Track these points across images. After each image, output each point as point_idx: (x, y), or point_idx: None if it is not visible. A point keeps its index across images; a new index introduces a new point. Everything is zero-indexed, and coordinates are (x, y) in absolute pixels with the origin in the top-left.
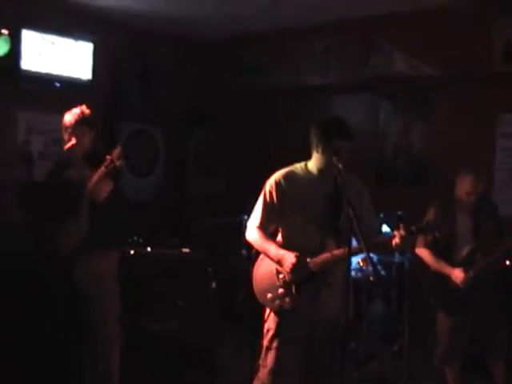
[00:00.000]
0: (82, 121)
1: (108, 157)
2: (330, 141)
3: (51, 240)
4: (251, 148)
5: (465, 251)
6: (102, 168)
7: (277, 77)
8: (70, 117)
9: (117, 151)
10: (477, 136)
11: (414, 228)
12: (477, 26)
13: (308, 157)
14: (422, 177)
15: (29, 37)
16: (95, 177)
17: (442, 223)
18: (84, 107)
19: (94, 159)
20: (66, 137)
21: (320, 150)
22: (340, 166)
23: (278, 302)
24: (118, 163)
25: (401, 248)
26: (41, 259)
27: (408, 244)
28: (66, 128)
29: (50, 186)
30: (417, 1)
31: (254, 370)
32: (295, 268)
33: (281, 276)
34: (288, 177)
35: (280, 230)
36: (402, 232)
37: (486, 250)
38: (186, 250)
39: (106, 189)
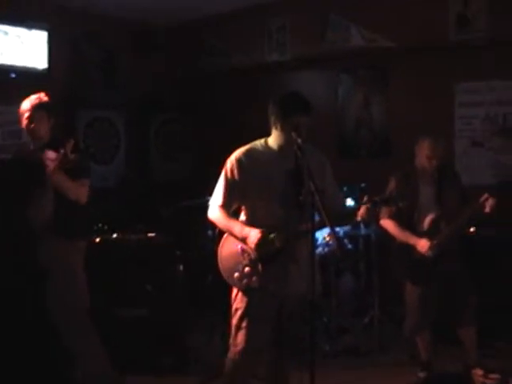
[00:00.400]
0: (39, 105)
1: (61, 151)
2: (287, 117)
3: (21, 214)
4: (213, 130)
5: (429, 220)
6: (56, 163)
7: (236, 57)
8: (27, 102)
9: (69, 144)
10: (435, 106)
11: (377, 199)
12: None
13: (269, 134)
14: (383, 149)
15: None
16: (54, 174)
17: (405, 193)
18: (42, 94)
19: (53, 149)
20: (24, 123)
21: (278, 127)
22: (299, 141)
23: (245, 280)
24: (71, 157)
25: (366, 219)
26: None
27: (373, 215)
28: (23, 113)
29: (15, 162)
30: None
31: (226, 351)
32: (260, 244)
33: (246, 254)
34: (248, 154)
35: (243, 207)
36: (366, 203)
37: (449, 219)
38: (151, 234)
39: (83, 191)
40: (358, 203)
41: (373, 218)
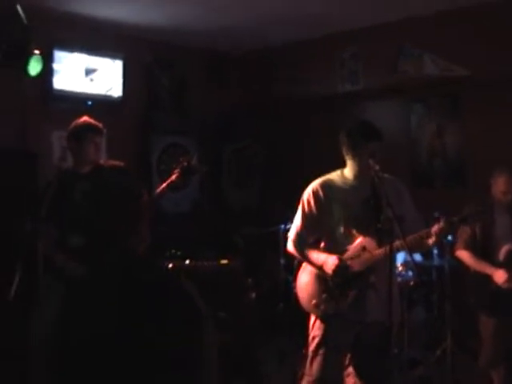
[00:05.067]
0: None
1: (184, 162)
2: (360, 144)
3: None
4: (286, 158)
5: (505, 251)
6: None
7: (308, 86)
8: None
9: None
10: (511, 136)
11: (455, 219)
12: (506, 25)
13: (343, 164)
14: (457, 179)
15: (60, 56)
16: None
17: (480, 216)
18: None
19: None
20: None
21: (351, 156)
22: (377, 167)
23: (322, 307)
24: (200, 167)
25: (441, 235)
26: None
27: (448, 232)
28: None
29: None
30: (442, 2)
31: (297, 380)
32: (338, 269)
33: (324, 281)
34: (325, 185)
35: (322, 238)
36: (442, 223)
37: None
38: (224, 261)
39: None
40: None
41: (447, 236)
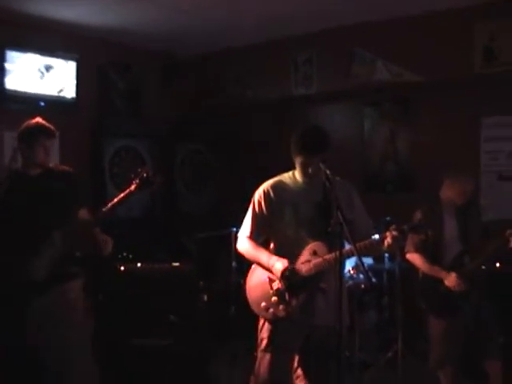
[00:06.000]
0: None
1: (143, 173)
2: (298, 154)
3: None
4: (239, 161)
5: (453, 254)
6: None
7: (261, 89)
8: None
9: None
10: (462, 140)
11: (405, 227)
12: (456, 31)
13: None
14: (408, 183)
15: (12, 56)
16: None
17: (431, 224)
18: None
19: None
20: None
21: (296, 162)
22: (328, 171)
23: (271, 310)
24: (157, 179)
25: (393, 248)
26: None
27: (400, 244)
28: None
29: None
30: (394, 9)
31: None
32: (287, 274)
33: (274, 284)
34: (276, 185)
35: (271, 238)
36: (394, 232)
37: (473, 253)
38: (176, 264)
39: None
40: (385, 230)
41: (399, 248)
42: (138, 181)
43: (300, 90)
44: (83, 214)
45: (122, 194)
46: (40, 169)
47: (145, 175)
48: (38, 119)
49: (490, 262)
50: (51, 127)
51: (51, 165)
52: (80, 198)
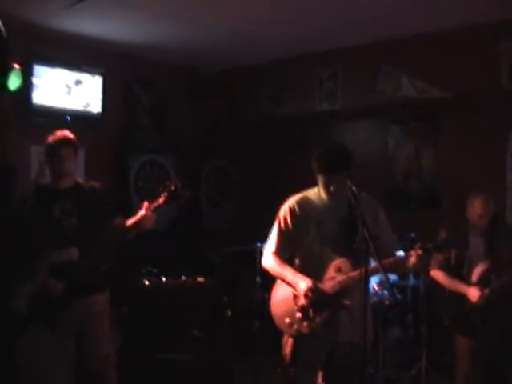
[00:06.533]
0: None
1: (171, 186)
2: (319, 173)
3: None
4: (264, 177)
5: (478, 272)
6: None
7: (286, 105)
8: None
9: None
10: (487, 156)
11: (430, 245)
12: (482, 47)
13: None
14: (433, 200)
15: (40, 71)
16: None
17: (456, 242)
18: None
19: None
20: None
21: (318, 179)
22: (354, 188)
23: (295, 326)
24: (185, 192)
25: (418, 267)
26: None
27: (424, 263)
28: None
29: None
30: (420, 25)
31: None
32: (311, 291)
33: (298, 300)
34: (301, 202)
35: (296, 255)
36: (419, 250)
37: (500, 271)
38: (200, 279)
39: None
40: (410, 248)
41: (424, 266)
42: (166, 193)
43: (324, 105)
44: (119, 221)
45: (151, 207)
46: (70, 182)
47: (173, 188)
48: (59, 131)
49: None
50: (71, 136)
51: (80, 180)
52: (109, 212)
